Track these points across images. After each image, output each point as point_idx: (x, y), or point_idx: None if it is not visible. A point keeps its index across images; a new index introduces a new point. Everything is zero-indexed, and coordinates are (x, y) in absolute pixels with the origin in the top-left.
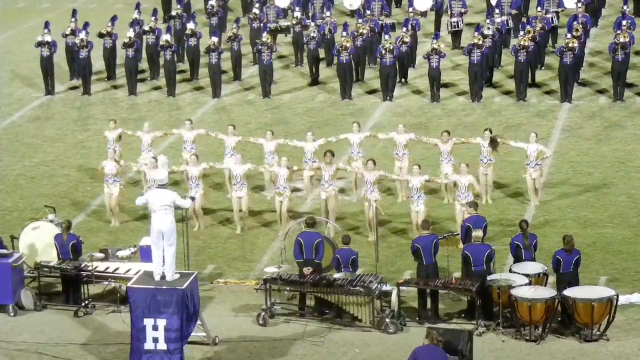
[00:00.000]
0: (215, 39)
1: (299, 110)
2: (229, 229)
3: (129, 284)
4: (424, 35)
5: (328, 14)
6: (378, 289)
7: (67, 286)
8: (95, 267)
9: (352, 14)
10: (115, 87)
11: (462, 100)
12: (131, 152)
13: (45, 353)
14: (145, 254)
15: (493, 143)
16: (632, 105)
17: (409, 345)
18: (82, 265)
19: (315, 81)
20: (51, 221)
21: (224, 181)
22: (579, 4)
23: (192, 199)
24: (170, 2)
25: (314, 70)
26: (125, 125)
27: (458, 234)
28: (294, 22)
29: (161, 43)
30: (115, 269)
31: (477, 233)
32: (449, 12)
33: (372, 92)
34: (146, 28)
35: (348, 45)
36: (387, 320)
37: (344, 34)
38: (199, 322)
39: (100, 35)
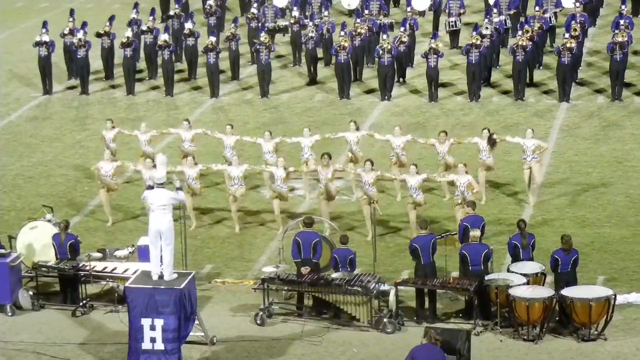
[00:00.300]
0: (213, 39)
1: (297, 110)
2: (226, 227)
3: (126, 284)
4: (422, 35)
5: (326, 13)
6: (376, 289)
7: (65, 286)
8: (93, 267)
9: (350, 13)
10: (113, 86)
11: (460, 99)
12: (129, 152)
13: (43, 353)
14: (143, 253)
15: (491, 142)
16: (630, 105)
17: (407, 344)
18: (80, 265)
19: (313, 81)
20: (49, 221)
21: (224, 181)
22: (577, 4)
23: (179, 189)
24: (168, 1)
25: (312, 69)
26: (123, 125)
27: (456, 234)
28: (292, 21)
29: (159, 43)
30: (113, 269)
31: (475, 233)
32: (447, 12)
33: (370, 91)
34: (144, 28)
35: (346, 45)
36: (385, 319)
37: (342, 33)
38: (196, 322)
39: (98, 35)
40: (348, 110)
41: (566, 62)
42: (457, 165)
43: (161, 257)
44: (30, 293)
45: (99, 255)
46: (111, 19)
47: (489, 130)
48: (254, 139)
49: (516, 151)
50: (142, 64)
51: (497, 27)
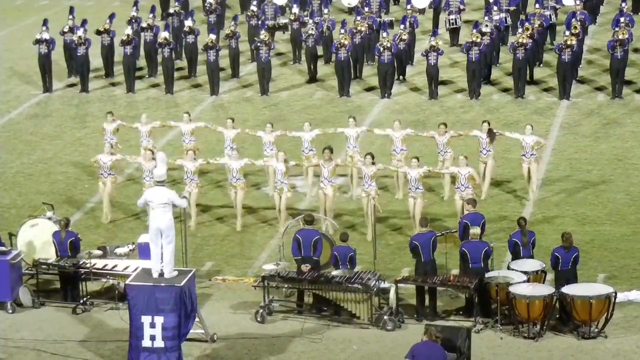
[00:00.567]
0: (213, 37)
1: (296, 108)
2: (227, 225)
3: (127, 281)
4: (422, 32)
5: (326, 11)
6: (376, 286)
7: (66, 283)
8: (94, 265)
9: (350, 11)
10: (113, 84)
11: (460, 97)
12: (130, 149)
13: (44, 350)
14: (143, 251)
15: (490, 134)
16: (631, 103)
17: (407, 342)
18: (81, 263)
19: (313, 78)
20: (49, 218)
21: (225, 179)
22: (578, 2)
23: (184, 197)
24: None
25: (312, 67)
26: (121, 121)
27: (456, 231)
28: (291, 19)
29: (159, 40)
30: (114, 266)
31: (475, 230)
32: (447, 10)
33: (370, 89)
34: (144, 25)
35: (346, 42)
36: (385, 317)
37: (342, 31)
38: (197, 319)
39: (98, 33)
40: (348, 108)
41: (566, 60)
42: (459, 158)
43: (162, 254)
44: (31, 290)
45: (99, 252)
46: (111, 16)
47: (488, 124)
48: (254, 132)
49: (516, 148)
50: (142, 62)
51: (497, 24)
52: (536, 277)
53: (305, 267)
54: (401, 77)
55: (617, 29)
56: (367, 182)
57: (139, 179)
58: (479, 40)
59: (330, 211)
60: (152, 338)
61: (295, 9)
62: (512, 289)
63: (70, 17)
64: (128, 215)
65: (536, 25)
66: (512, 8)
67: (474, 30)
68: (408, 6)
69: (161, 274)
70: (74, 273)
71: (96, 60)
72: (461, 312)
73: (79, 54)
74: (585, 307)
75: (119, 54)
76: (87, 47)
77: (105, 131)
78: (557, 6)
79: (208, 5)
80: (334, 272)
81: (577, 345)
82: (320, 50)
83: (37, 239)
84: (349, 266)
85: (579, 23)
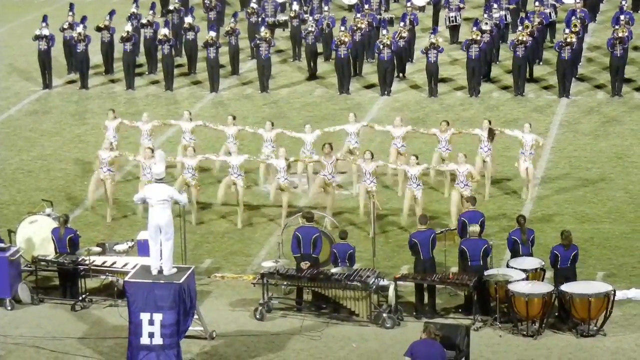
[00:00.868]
0: (213, 34)
1: (296, 105)
2: (226, 223)
3: (126, 278)
4: (421, 30)
5: (326, 8)
6: (375, 284)
7: (65, 280)
8: (93, 261)
9: (350, 8)
10: (112, 81)
11: (460, 95)
12: (129, 146)
13: (43, 347)
14: (142, 248)
15: (490, 132)
16: (630, 101)
17: (406, 340)
18: (80, 260)
19: (313, 76)
20: (48, 215)
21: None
22: None
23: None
24: None
25: (311, 64)
26: (123, 119)
27: (455, 229)
28: (291, 16)
29: (159, 37)
30: (113, 263)
31: (474, 228)
32: (446, 7)
33: (370, 86)
34: (144, 22)
35: (346, 39)
36: (384, 315)
37: (342, 28)
38: (196, 316)
39: (98, 29)
40: (348, 105)
41: (566, 58)
42: (457, 155)
43: (161, 251)
44: (30, 287)
45: (98, 249)
46: (111, 13)
47: (489, 122)
48: (254, 130)
49: (515, 147)
50: (141, 59)
51: (497, 22)
52: (535, 275)
53: (305, 265)
54: (401, 75)
55: (617, 26)
56: (368, 178)
57: (137, 178)
58: (478, 38)
59: (330, 209)
60: (151, 335)
61: (295, 6)
62: (511, 286)
63: (70, 13)
64: (128, 213)
65: (536, 23)
66: (512, 6)
67: (474, 28)
68: (408, 3)
69: (160, 271)
70: (73, 270)
71: (96, 57)
72: (460, 310)
73: (78, 51)
74: (584, 305)
75: (119, 51)
76: (87, 43)
77: (107, 128)
78: (557, 4)
79: (208, 2)
80: (333, 270)
81: (576, 343)
82: (320, 48)
83: (36, 235)
84: (348, 264)
85: (578, 21)
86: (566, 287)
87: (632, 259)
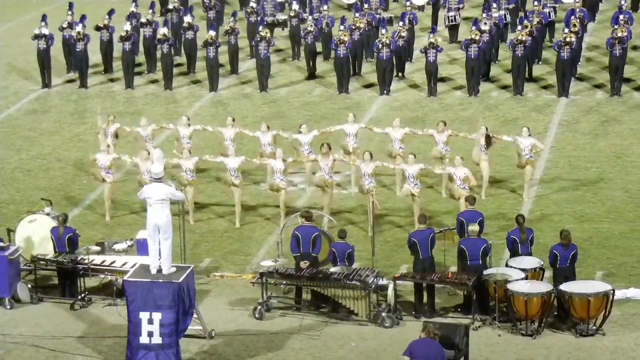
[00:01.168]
0: (212, 33)
1: (295, 104)
2: (225, 222)
3: (125, 277)
4: (421, 29)
5: (325, 7)
6: (374, 283)
7: (64, 279)
8: (92, 261)
9: (350, 7)
10: (112, 80)
11: (459, 94)
12: (128, 146)
13: (42, 346)
14: (141, 247)
15: (487, 139)
16: (629, 100)
17: (405, 339)
18: (79, 259)
19: (312, 75)
20: (47, 214)
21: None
22: None
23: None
24: None
25: (311, 64)
26: (121, 118)
27: (454, 228)
28: (291, 15)
29: (158, 36)
30: (112, 262)
31: (473, 227)
32: (446, 7)
33: (369, 86)
34: (143, 21)
35: (345, 39)
36: (383, 314)
37: (342, 28)
38: (195, 315)
39: (97, 29)
40: (347, 105)
41: (565, 57)
42: (455, 158)
43: (160, 250)
44: (29, 286)
45: (97, 248)
46: (110, 12)
47: (486, 129)
48: (252, 133)
49: (514, 146)
50: (141, 58)
51: (497, 21)
52: (534, 274)
53: (304, 264)
54: (400, 74)
55: (616, 26)
56: (367, 179)
57: (136, 174)
58: (478, 37)
59: (328, 208)
60: (150, 334)
61: (295, 6)
62: (510, 286)
63: (69, 12)
64: (127, 212)
65: (535, 23)
66: (511, 5)
67: (473, 28)
68: (407, 3)
69: (159, 270)
70: (72, 269)
71: (95, 56)
72: (459, 309)
73: (77, 50)
74: (584, 305)
75: (118, 50)
76: (86, 42)
77: (105, 133)
78: (556, 4)
79: (207, 1)
80: (332, 269)
81: (575, 342)
82: (319, 47)
83: (35, 234)
84: (347, 263)
85: (578, 20)
86: (565, 287)
87: (631, 258)
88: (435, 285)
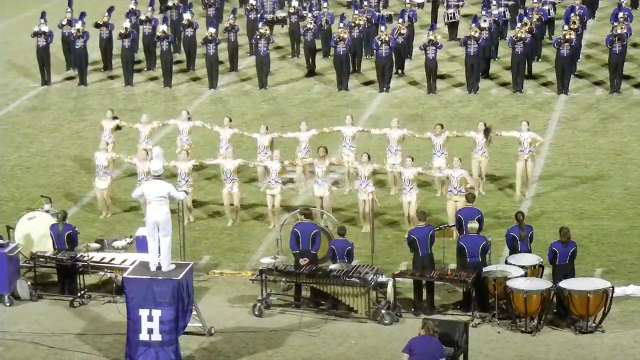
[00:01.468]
0: (212, 30)
1: (295, 101)
2: (225, 219)
3: (124, 275)
4: (420, 26)
5: (325, 5)
6: (374, 280)
7: (63, 276)
8: (91, 258)
9: (349, 5)
10: (111, 77)
11: (458, 91)
12: (127, 144)
13: (41, 343)
14: (141, 244)
15: (486, 134)
16: (629, 98)
17: (405, 336)
18: (78, 256)
19: (311, 72)
20: (47, 211)
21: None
22: None
23: (186, 192)
24: None
25: (310, 61)
26: (121, 115)
27: (454, 226)
28: (290, 12)
29: (158, 34)
30: (111, 260)
31: (473, 225)
32: (445, 4)
33: (368, 83)
34: (143, 18)
35: (345, 36)
36: (382, 311)
37: (341, 25)
38: (194, 312)
39: (97, 26)
40: (346, 102)
41: (565, 54)
42: (453, 160)
43: (159, 248)
44: (29, 283)
45: (97, 245)
46: (110, 9)
47: (485, 124)
48: (250, 134)
49: (513, 144)
50: (140, 55)
51: (496, 19)
52: (534, 271)
53: (303, 261)
54: (399, 71)
55: (615, 23)
56: (364, 180)
57: (134, 172)
58: (477, 34)
59: (328, 210)
60: (150, 331)
61: (294, 3)
62: (509, 283)
63: (69, 10)
64: (126, 210)
65: (535, 20)
66: (510, 2)
67: (473, 25)
68: (407, 0)
69: (159, 268)
70: (72, 266)
71: (95, 53)
72: (459, 307)
73: (77, 47)
74: (583, 302)
75: (118, 47)
76: (86, 40)
77: (103, 129)
78: (556, 1)
79: None
80: (332, 266)
81: (575, 339)
82: (318, 44)
83: (34, 231)
84: (346, 260)
85: (577, 17)
86: (565, 284)
87: (631, 255)
88: (435, 282)
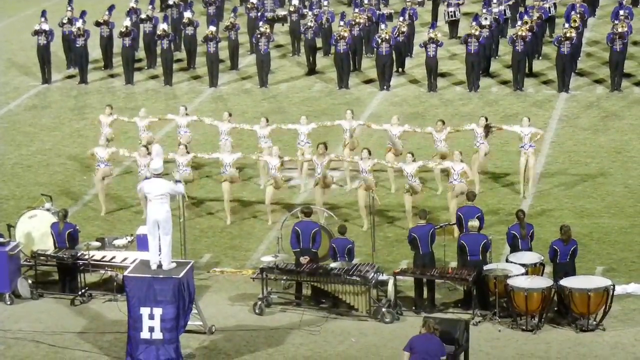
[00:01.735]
0: (213, 28)
1: (295, 100)
2: (220, 221)
3: (125, 273)
4: (421, 24)
5: (325, 3)
6: (374, 279)
7: (64, 275)
8: (92, 256)
9: (350, 3)
10: (112, 76)
11: (459, 89)
12: (127, 141)
13: (42, 341)
14: (141, 243)
15: (486, 128)
16: (630, 96)
17: (406, 334)
18: (79, 254)
19: (312, 70)
20: (48, 210)
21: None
22: None
23: (178, 181)
24: None
25: (311, 59)
26: (121, 114)
27: (454, 224)
28: (291, 10)
29: (158, 32)
30: (112, 258)
31: (474, 223)
32: (446, 2)
33: (369, 81)
34: (143, 17)
35: (345, 34)
36: (383, 309)
37: (342, 23)
38: (195, 311)
39: (97, 24)
40: (347, 100)
41: (565, 53)
42: (453, 153)
43: (160, 246)
44: (29, 282)
45: (97, 244)
46: (110, 8)
47: (486, 119)
48: (250, 126)
49: (514, 141)
50: (141, 53)
51: (497, 17)
52: (534, 269)
53: (304, 259)
54: (400, 70)
55: (616, 21)
56: (364, 175)
57: (135, 170)
58: (478, 32)
59: (320, 204)
60: (151, 330)
61: (295, 1)
62: (510, 281)
63: (69, 8)
64: (126, 208)
65: (535, 18)
66: (511, 1)
67: (473, 23)
68: None
69: (159, 266)
70: (73, 264)
71: (95, 52)
72: (459, 305)
73: (77, 46)
74: (584, 300)
75: (118, 46)
76: (86, 38)
77: (101, 124)
78: None
79: None
80: (333, 264)
81: (575, 337)
82: (319, 43)
83: (35, 230)
84: (347, 258)
85: (578, 16)
86: (565, 282)
87: (631, 253)
88: (436, 280)
